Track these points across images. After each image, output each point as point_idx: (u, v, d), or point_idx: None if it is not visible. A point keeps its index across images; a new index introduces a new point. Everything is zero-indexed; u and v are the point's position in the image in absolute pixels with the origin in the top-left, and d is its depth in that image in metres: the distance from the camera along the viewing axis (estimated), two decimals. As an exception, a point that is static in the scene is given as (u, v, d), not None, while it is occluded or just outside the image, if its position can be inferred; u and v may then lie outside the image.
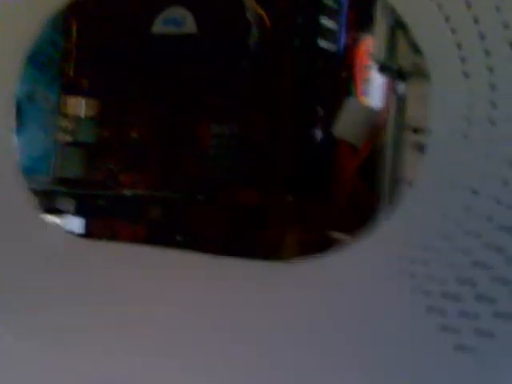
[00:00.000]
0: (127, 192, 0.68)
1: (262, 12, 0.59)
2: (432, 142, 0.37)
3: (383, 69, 0.42)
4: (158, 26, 0.61)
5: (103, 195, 0.69)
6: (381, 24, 0.40)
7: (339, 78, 0.56)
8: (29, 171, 0.66)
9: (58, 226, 0.60)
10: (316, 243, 0.54)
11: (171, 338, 0.45)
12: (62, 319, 0.49)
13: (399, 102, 0.41)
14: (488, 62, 0.35)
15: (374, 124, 0.46)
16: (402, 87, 0.42)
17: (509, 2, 0.34)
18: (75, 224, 0.71)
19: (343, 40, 0.58)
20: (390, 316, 0.36)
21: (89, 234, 0.69)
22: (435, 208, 0.36)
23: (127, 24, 0.65)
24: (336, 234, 0.52)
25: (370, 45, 0.51)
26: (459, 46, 0.36)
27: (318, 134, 0.57)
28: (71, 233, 0.66)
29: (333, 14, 0.58)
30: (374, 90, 0.52)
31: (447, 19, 0.36)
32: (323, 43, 0.58)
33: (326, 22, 0.58)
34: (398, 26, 0.39)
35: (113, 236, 0.67)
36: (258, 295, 0.43)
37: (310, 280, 0.41)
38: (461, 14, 0.35)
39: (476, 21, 0.35)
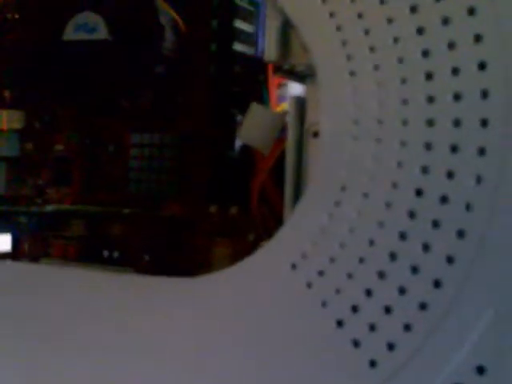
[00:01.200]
0: (51, 207, 0.66)
1: (176, 16, 0.57)
2: (323, 144, 0.35)
3: (277, 70, 0.40)
4: (70, 33, 0.59)
5: (28, 212, 0.67)
6: (271, 23, 0.38)
7: (256, 82, 0.55)
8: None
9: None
10: (246, 252, 0.52)
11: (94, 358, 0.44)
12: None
13: (298, 105, 0.40)
14: (374, 59, 0.34)
15: (279, 128, 0.44)
16: (301, 89, 0.40)
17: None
18: (3, 242, 0.68)
19: (260, 44, 0.56)
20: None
21: (18, 252, 0.67)
22: (327, 211, 0.35)
23: (40, 32, 0.63)
24: (263, 243, 0.50)
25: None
26: (344, 43, 0.34)
27: (238, 138, 0.55)
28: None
29: (249, 17, 0.57)
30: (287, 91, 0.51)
31: (332, 15, 0.35)
32: (240, 46, 0.56)
33: (242, 24, 0.56)
34: (289, 25, 0.38)
35: (43, 253, 0.66)
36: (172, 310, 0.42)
37: (211, 295, 0.40)
38: (346, 9, 0.34)
39: (360, 16, 0.34)
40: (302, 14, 0.35)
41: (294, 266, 0.36)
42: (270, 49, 0.39)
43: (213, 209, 0.56)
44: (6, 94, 0.69)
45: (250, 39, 0.57)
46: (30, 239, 0.67)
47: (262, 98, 0.54)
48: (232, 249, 0.55)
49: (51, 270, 0.59)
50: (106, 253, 0.62)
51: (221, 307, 0.40)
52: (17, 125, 0.68)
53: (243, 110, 0.55)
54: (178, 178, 0.58)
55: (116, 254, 0.62)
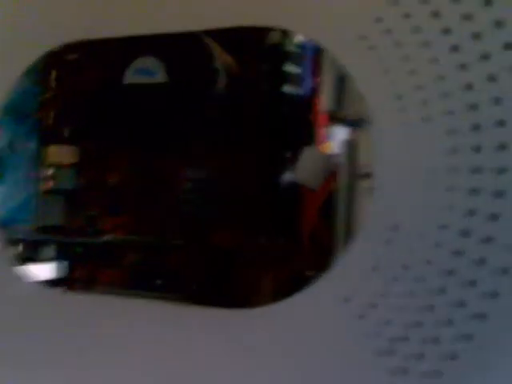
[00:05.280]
0: (106, 238, 0.69)
1: (230, 59, 0.61)
2: (376, 186, 0.38)
3: (332, 118, 0.44)
4: (130, 76, 0.63)
5: (83, 242, 0.70)
6: (328, 75, 0.42)
7: (305, 122, 0.58)
8: (10, 221, 0.67)
9: (33, 277, 0.62)
10: (292, 282, 0.55)
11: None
12: (38, 371, 0.50)
13: (350, 148, 0.43)
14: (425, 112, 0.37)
15: (329, 169, 0.48)
16: (352, 134, 0.44)
17: (444, 57, 0.36)
18: (57, 271, 0.72)
19: (308, 85, 0.60)
20: (340, 359, 0.37)
21: (71, 280, 0.70)
22: (381, 251, 0.38)
23: (102, 74, 0.67)
24: (310, 272, 0.53)
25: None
26: (399, 97, 0.38)
27: (288, 177, 0.58)
28: (49, 282, 0.67)
29: (297, 59, 0.60)
30: (338, 134, 0.54)
31: (386, 72, 0.38)
32: (288, 88, 0.59)
33: (291, 67, 0.59)
34: (344, 77, 0.41)
35: (94, 282, 0.69)
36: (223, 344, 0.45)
37: (267, 327, 0.42)
38: (398, 67, 0.37)
39: (412, 73, 0.37)
40: (357, 68, 0.39)
41: (346, 300, 0.39)
42: (326, 99, 0.42)
43: (261, 239, 0.59)
44: (64, 131, 0.73)
45: (298, 81, 0.61)
46: (85, 267, 0.70)
47: (311, 136, 0.57)
48: (278, 280, 0.57)
49: (103, 298, 0.62)
50: (156, 281, 0.65)
51: (268, 342, 0.42)
52: (72, 159, 0.72)
53: (291, 147, 0.59)
54: (227, 210, 0.61)
55: (165, 282, 0.64)
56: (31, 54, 0.58)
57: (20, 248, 0.72)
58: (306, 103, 0.59)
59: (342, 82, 0.42)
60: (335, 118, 0.43)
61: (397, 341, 0.36)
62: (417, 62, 0.37)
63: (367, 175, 0.42)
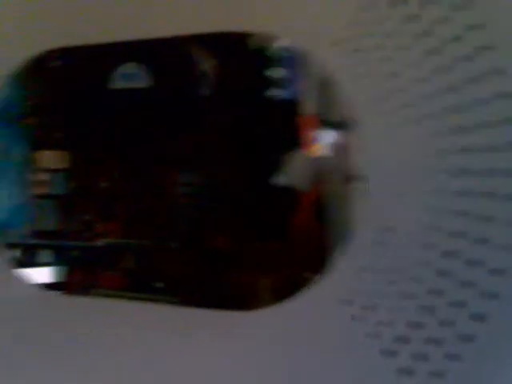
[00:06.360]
0: (101, 242, 0.69)
1: (214, 62, 0.61)
2: (366, 188, 0.39)
3: (319, 120, 0.44)
4: (116, 81, 0.64)
5: (79, 246, 0.70)
6: (311, 78, 0.42)
7: (291, 125, 0.58)
8: (5, 226, 0.68)
9: (32, 279, 0.62)
10: (290, 284, 0.56)
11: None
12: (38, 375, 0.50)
13: (339, 151, 0.43)
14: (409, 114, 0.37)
15: (319, 172, 0.48)
16: (340, 136, 0.44)
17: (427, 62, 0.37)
18: (53, 275, 0.72)
19: (293, 89, 0.60)
20: (344, 360, 0.38)
21: (68, 284, 0.70)
22: (375, 253, 0.38)
23: (87, 79, 0.67)
24: (306, 274, 0.54)
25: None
26: (385, 98, 0.38)
27: (278, 180, 0.59)
28: (47, 286, 0.67)
29: (280, 62, 0.60)
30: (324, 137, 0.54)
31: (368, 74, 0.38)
32: (274, 91, 0.59)
33: (277, 71, 0.59)
34: (328, 80, 0.42)
35: (92, 285, 0.69)
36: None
37: (268, 329, 0.43)
38: (381, 70, 0.38)
39: (394, 75, 0.37)
40: (342, 72, 0.39)
41: (342, 302, 0.39)
42: (310, 102, 0.42)
43: (256, 242, 0.59)
44: (55, 135, 0.73)
45: (282, 83, 0.61)
46: (81, 271, 0.70)
47: (297, 139, 0.57)
48: (274, 282, 0.58)
49: (101, 301, 0.63)
50: (152, 284, 0.65)
51: (267, 343, 0.43)
52: (62, 164, 0.72)
53: (278, 150, 0.59)
54: (222, 214, 0.61)
55: (162, 285, 0.65)
56: (15, 58, 0.58)
57: (15, 252, 0.72)
58: (291, 106, 0.59)
59: (326, 85, 0.42)
60: (322, 121, 0.44)
61: (399, 341, 0.37)
62: (397, 65, 0.37)
63: (357, 177, 0.42)
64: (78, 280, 0.70)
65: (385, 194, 0.38)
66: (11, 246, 0.70)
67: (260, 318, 0.45)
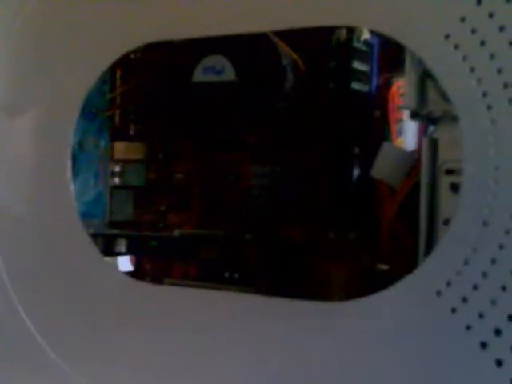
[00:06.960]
0: (176, 232, 0.71)
1: (296, 57, 0.62)
2: (465, 182, 0.39)
3: (414, 115, 0.45)
4: (198, 75, 0.65)
5: (154, 236, 0.72)
6: (411, 74, 0.43)
7: (373, 118, 0.59)
8: (85, 216, 0.70)
9: (117, 267, 0.64)
10: (363, 277, 0.56)
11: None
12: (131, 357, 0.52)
13: (431, 145, 0.44)
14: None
15: (410, 165, 0.49)
16: (433, 130, 0.45)
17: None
18: (128, 265, 0.74)
19: (375, 82, 0.60)
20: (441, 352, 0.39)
21: (142, 274, 0.72)
22: (470, 246, 0.39)
23: (169, 72, 0.69)
24: (382, 266, 0.54)
25: (401, 86, 0.53)
26: (484, 94, 0.38)
27: (356, 172, 0.59)
28: (128, 273, 0.70)
29: (364, 57, 0.61)
30: (408, 129, 0.55)
31: (472, 70, 0.39)
32: (356, 85, 0.60)
33: (358, 64, 0.60)
34: (426, 75, 0.42)
35: (166, 275, 0.71)
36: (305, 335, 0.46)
37: (356, 321, 0.44)
38: (485, 65, 0.38)
39: (500, 71, 0.38)
40: (443, 68, 0.40)
41: (438, 293, 0.40)
42: (409, 97, 0.43)
43: (331, 234, 0.60)
44: (131, 128, 0.75)
45: (366, 78, 0.61)
46: (156, 261, 0.72)
47: (381, 133, 0.58)
48: (348, 273, 0.59)
49: (176, 290, 0.64)
50: (227, 274, 0.67)
51: (363, 334, 0.44)
52: (140, 156, 0.74)
53: (361, 144, 0.60)
54: (297, 205, 0.62)
55: (237, 276, 0.66)
56: (110, 54, 0.60)
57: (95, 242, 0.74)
58: (375, 100, 0.60)
59: (424, 80, 0.42)
60: (417, 116, 0.44)
61: (493, 333, 0.37)
62: (503, 61, 0.37)
63: (450, 171, 0.43)
64: (154, 269, 0.72)
65: (483, 188, 0.38)
66: (93, 235, 0.72)
67: (350, 309, 0.45)
